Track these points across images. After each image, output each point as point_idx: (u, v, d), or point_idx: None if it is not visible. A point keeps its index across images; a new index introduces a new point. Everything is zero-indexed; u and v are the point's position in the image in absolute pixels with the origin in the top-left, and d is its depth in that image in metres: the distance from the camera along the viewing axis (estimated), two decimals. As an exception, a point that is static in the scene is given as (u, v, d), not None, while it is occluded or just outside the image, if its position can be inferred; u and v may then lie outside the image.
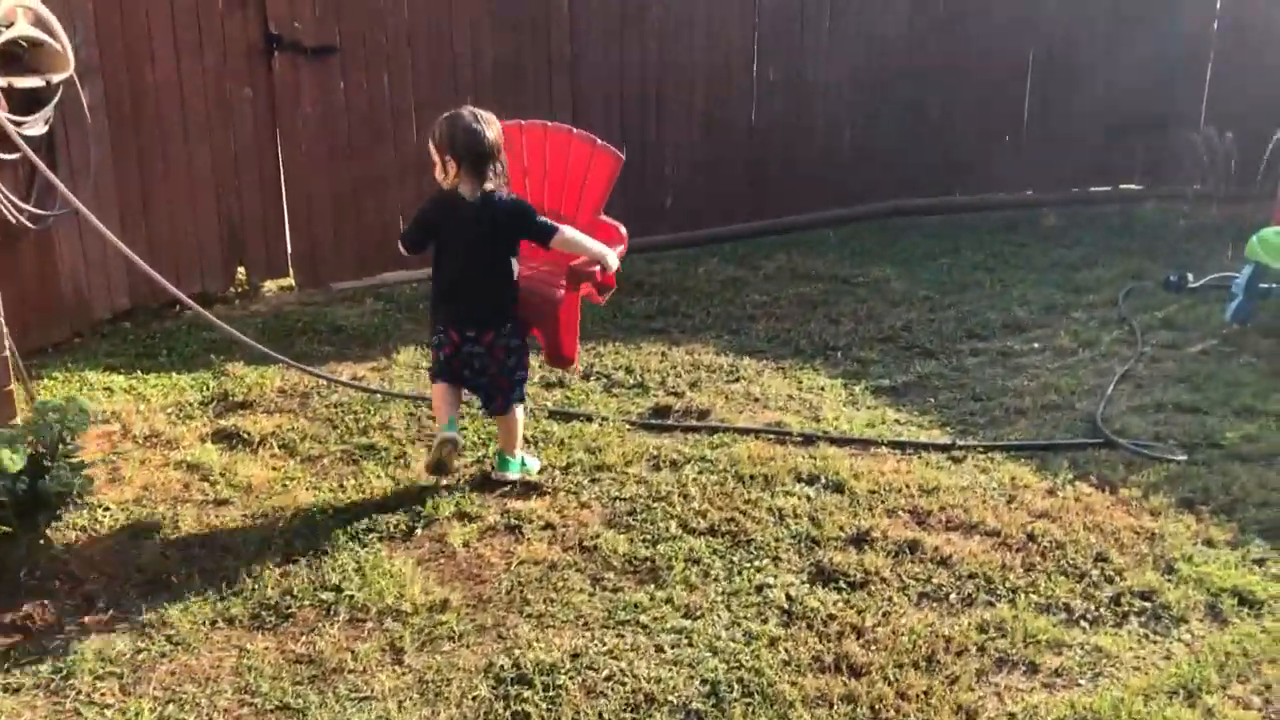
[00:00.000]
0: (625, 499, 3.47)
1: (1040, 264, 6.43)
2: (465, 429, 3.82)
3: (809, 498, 3.51)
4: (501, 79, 5.88)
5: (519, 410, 3.60)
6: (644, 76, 6.44)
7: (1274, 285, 5.32)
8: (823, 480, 3.61)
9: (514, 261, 3.46)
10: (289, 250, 5.59)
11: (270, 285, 5.65)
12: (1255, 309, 5.42)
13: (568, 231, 3.43)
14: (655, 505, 3.43)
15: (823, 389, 4.47)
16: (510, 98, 5.65)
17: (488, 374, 3.49)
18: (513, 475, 3.57)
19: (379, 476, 3.62)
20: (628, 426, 4.01)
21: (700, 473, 3.65)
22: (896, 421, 4.17)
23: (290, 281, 5.66)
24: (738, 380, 4.53)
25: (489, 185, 3.38)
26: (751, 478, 3.61)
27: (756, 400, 4.32)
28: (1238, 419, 4.21)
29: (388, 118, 5.69)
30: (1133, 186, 8.15)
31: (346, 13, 5.45)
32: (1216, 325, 5.29)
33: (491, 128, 3.35)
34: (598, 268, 3.52)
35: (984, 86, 7.63)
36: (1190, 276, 5.93)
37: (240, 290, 5.53)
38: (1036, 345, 5.06)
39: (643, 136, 6.53)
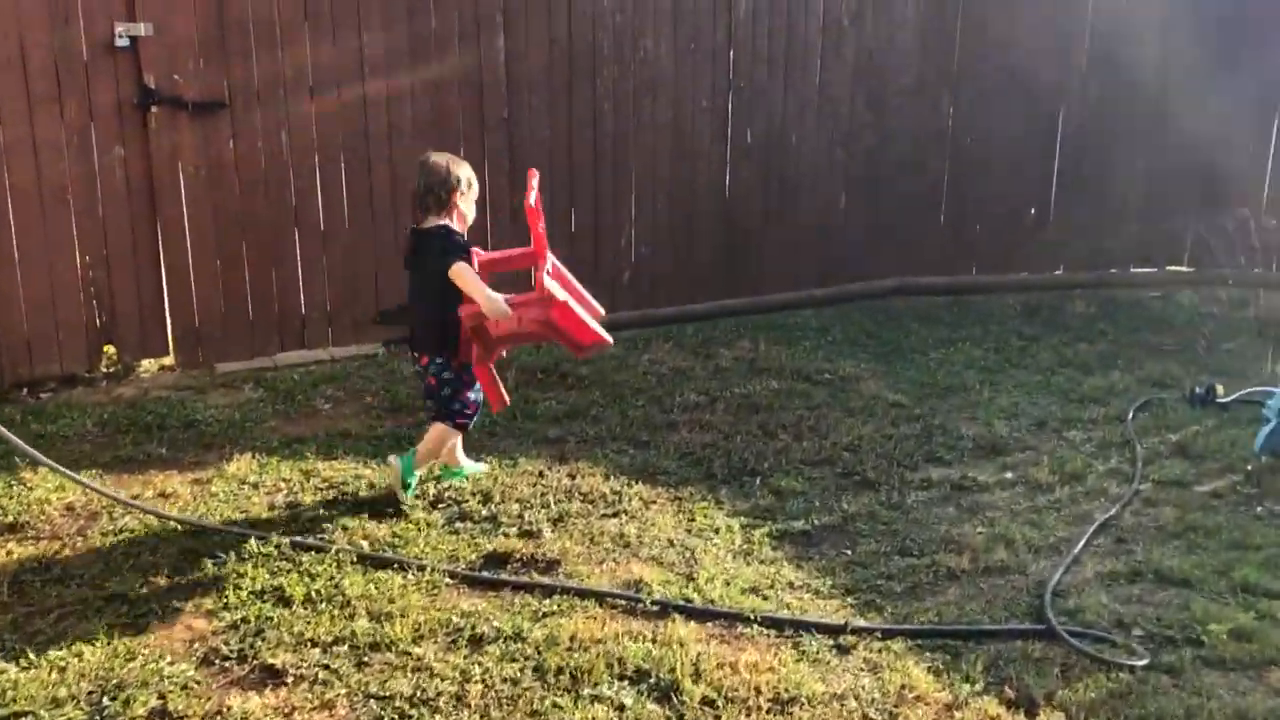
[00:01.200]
0: (383, 698, 2.71)
1: (1048, 363, 5.53)
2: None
3: (621, 709, 2.70)
4: (423, 136, 5.25)
5: (440, 427, 3.78)
6: (597, 138, 5.76)
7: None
8: (652, 679, 2.79)
9: (447, 290, 3.60)
10: (169, 326, 5.02)
11: (150, 365, 5.07)
12: (1291, 442, 4.49)
13: (462, 270, 3.57)
14: (415, 712, 2.68)
15: (716, 531, 3.66)
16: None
17: (428, 396, 3.83)
18: (394, 462, 3.79)
19: (95, 641, 2.92)
20: (447, 580, 3.27)
21: (501, 659, 2.87)
22: (790, 584, 3.33)
23: (172, 361, 5.08)
24: (616, 515, 3.75)
25: (431, 219, 3.69)
26: (561, 671, 2.81)
27: (626, 546, 3.53)
28: (1233, 601, 3.28)
29: (287, 178, 5.12)
30: (1180, 269, 7.18)
31: (236, 62, 4.89)
32: (1241, 457, 4.34)
33: (438, 169, 3.67)
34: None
35: (1007, 150, 6.78)
36: (1220, 389, 4.98)
37: (110, 371, 4.95)
38: (1008, 476, 4.18)
39: (596, 203, 5.84)
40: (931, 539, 3.65)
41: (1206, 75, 6.70)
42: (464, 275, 3.56)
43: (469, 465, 4.02)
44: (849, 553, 3.56)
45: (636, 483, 3.98)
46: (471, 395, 3.78)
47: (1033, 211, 6.91)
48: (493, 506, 3.75)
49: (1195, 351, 5.78)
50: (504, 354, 4.03)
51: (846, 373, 5.28)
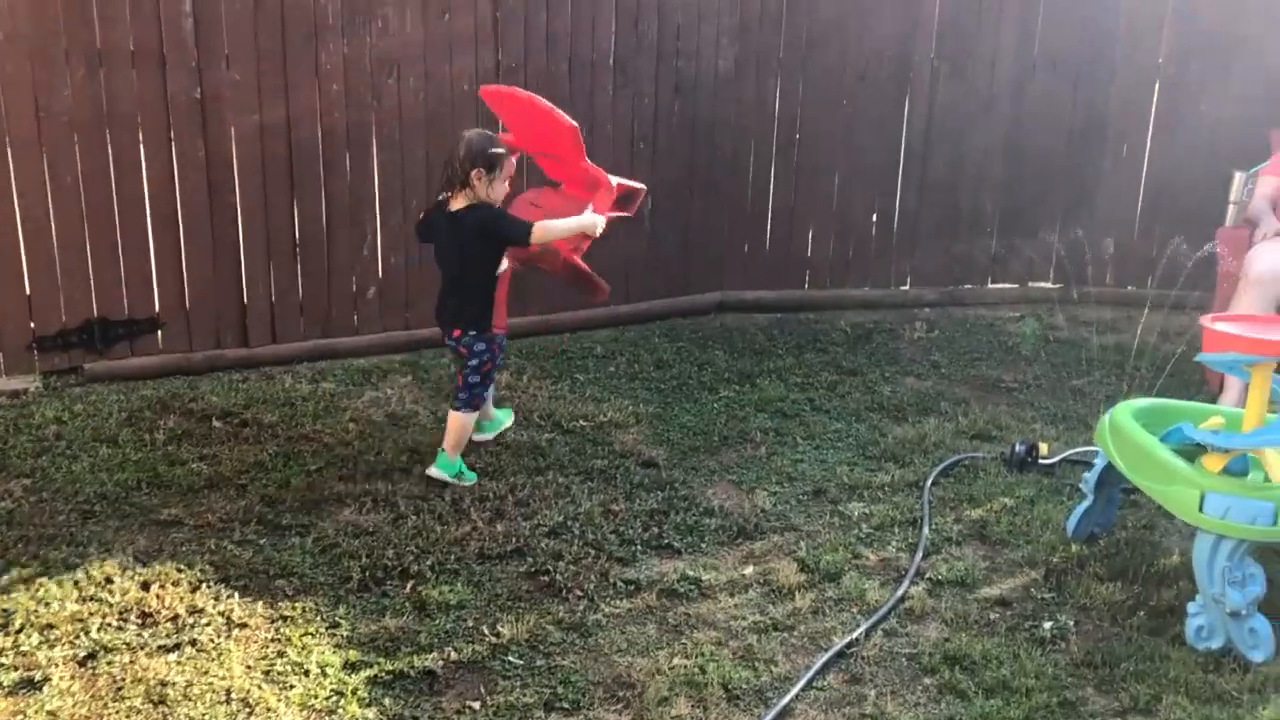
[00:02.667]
0: None
1: (857, 405, 4.64)
2: None
3: None
4: (86, 130, 4.22)
5: (457, 417, 3.73)
6: (324, 122, 4.77)
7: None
8: None
9: (487, 269, 3.71)
10: None
11: None
12: (1114, 519, 3.63)
13: (543, 228, 3.63)
14: None
15: (304, 674, 2.68)
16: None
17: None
18: (436, 474, 3.72)
19: None
20: None
21: None
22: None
23: None
24: (175, 649, 2.73)
25: (460, 200, 3.63)
26: None
27: (159, 705, 2.56)
28: (970, 790, 2.43)
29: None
30: (1045, 285, 6.34)
31: None
32: (1049, 543, 3.49)
33: (463, 145, 3.61)
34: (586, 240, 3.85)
35: (847, 147, 5.88)
36: (1043, 448, 4.12)
37: None
38: (746, 574, 3.28)
39: (328, 204, 4.84)
40: (600, 681, 2.73)
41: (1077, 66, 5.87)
42: (549, 228, 3.65)
43: (500, 414, 4.13)
44: (474, 707, 2.64)
45: (235, 594, 3.02)
46: (490, 378, 3.83)
47: (874, 218, 6.02)
48: (9, 635, 2.78)
49: (1038, 390, 4.94)
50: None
51: (608, 418, 4.36)
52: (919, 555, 3.39)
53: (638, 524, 3.51)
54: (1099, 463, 3.50)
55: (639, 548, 3.37)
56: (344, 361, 4.84)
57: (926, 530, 3.56)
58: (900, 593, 3.18)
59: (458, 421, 3.74)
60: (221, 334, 4.72)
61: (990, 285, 6.25)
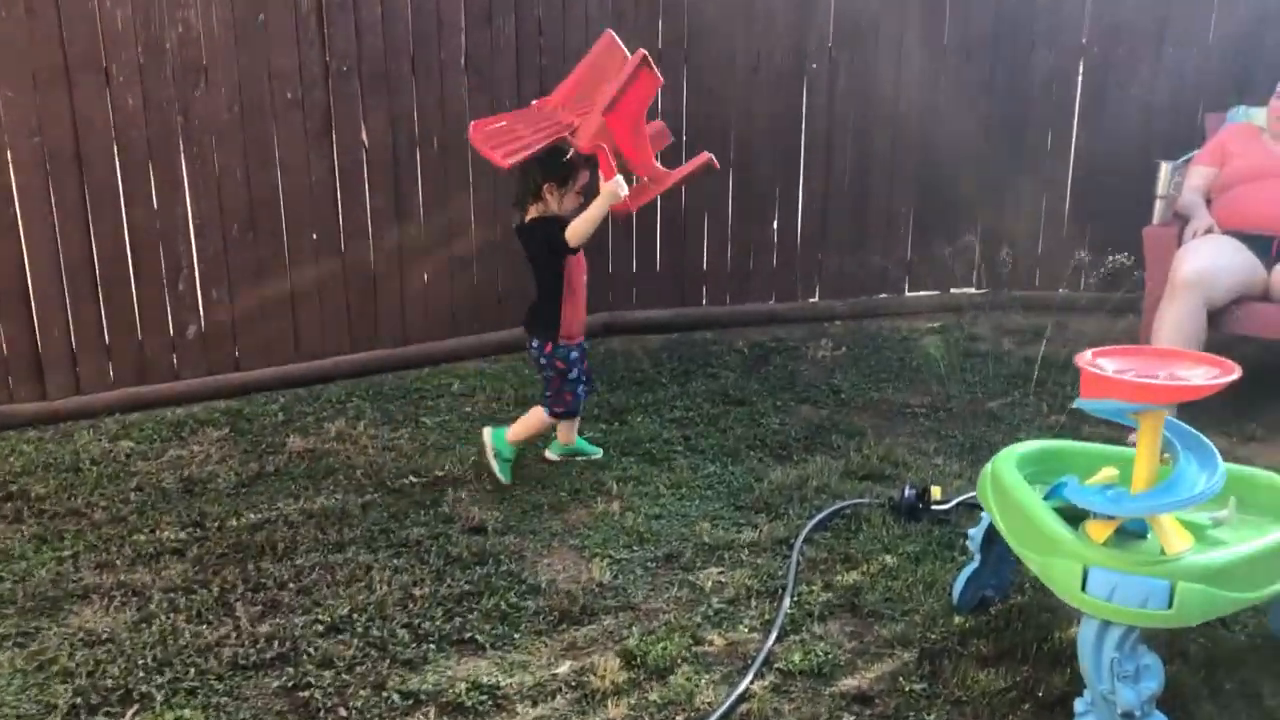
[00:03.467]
0: None
1: (738, 441, 4.09)
2: None
3: None
4: None
5: (537, 410, 3.75)
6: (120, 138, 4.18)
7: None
8: None
9: (552, 280, 3.62)
10: None
11: None
12: (1009, 579, 3.09)
13: (572, 233, 3.51)
14: None
15: None
16: None
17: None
18: (487, 438, 3.76)
19: None
20: None
21: None
22: None
23: None
24: None
25: (533, 212, 3.59)
26: None
27: None
28: None
29: None
30: (969, 290, 5.80)
31: None
32: (930, 613, 2.93)
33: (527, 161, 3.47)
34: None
35: (745, 147, 5.33)
36: (936, 491, 3.58)
37: None
38: (557, 674, 2.70)
39: (132, 233, 4.26)
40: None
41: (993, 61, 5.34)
42: (576, 229, 3.52)
43: (585, 446, 3.97)
44: None
45: (-103, 737, 2.46)
46: (573, 386, 3.73)
47: (775, 225, 5.47)
48: None
49: (947, 416, 4.40)
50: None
51: (445, 472, 3.79)
52: (771, 638, 2.84)
53: (440, 613, 2.94)
54: (986, 518, 2.96)
55: (433, 645, 2.81)
56: (157, 412, 4.27)
57: (787, 603, 3.00)
58: (737, 693, 2.62)
59: (537, 416, 3.76)
60: (14, 386, 4.14)
61: (907, 294, 5.71)
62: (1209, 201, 4.68)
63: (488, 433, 3.76)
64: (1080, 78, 5.46)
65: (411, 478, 3.75)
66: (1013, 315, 5.57)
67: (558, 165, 3.50)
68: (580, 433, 4.09)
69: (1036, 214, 5.62)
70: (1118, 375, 2.41)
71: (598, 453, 3.95)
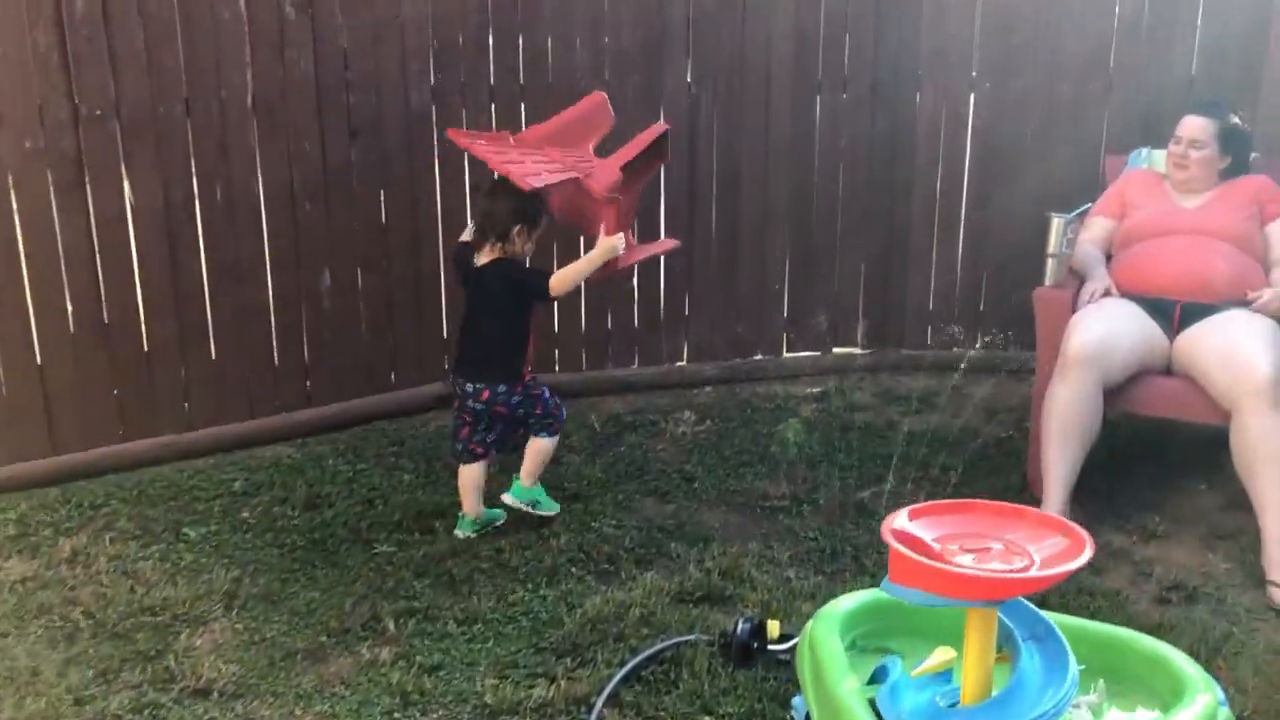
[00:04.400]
0: None
1: (559, 553, 3.43)
2: None
3: None
4: None
5: (539, 442, 3.58)
6: None
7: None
8: None
9: (518, 325, 3.51)
10: None
11: None
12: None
13: (558, 280, 3.42)
14: None
15: None
16: None
17: (498, 423, 3.57)
18: (512, 500, 3.62)
19: None
20: None
21: None
22: None
23: None
24: None
25: (486, 255, 3.44)
26: None
27: None
28: None
29: None
30: (853, 351, 5.21)
31: None
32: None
33: (508, 199, 3.35)
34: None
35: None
36: (773, 628, 2.95)
37: None
38: None
39: None
40: None
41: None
42: (565, 278, 3.43)
43: (547, 500, 3.72)
44: None
45: None
46: (549, 399, 3.58)
47: (635, 280, 4.85)
48: None
49: (812, 510, 3.80)
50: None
51: (186, 609, 3.09)
52: None
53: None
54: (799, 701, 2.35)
55: None
56: None
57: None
58: None
59: (542, 447, 3.60)
60: None
61: (786, 355, 5.12)
62: (1110, 258, 4.16)
63: (509, 499, 3.63)
64: (971, 115, 4.91)
65: (142, 618, 3.06)
66: (902, 378, 5.00)
67: (534, 209, 3.36)
68: (373, 543, 3.44)
69: (927, 265, 5.06)
70: (933, 556, 1.82)
71: (554, 508, 3.70)
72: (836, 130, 4.84)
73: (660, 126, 3.42)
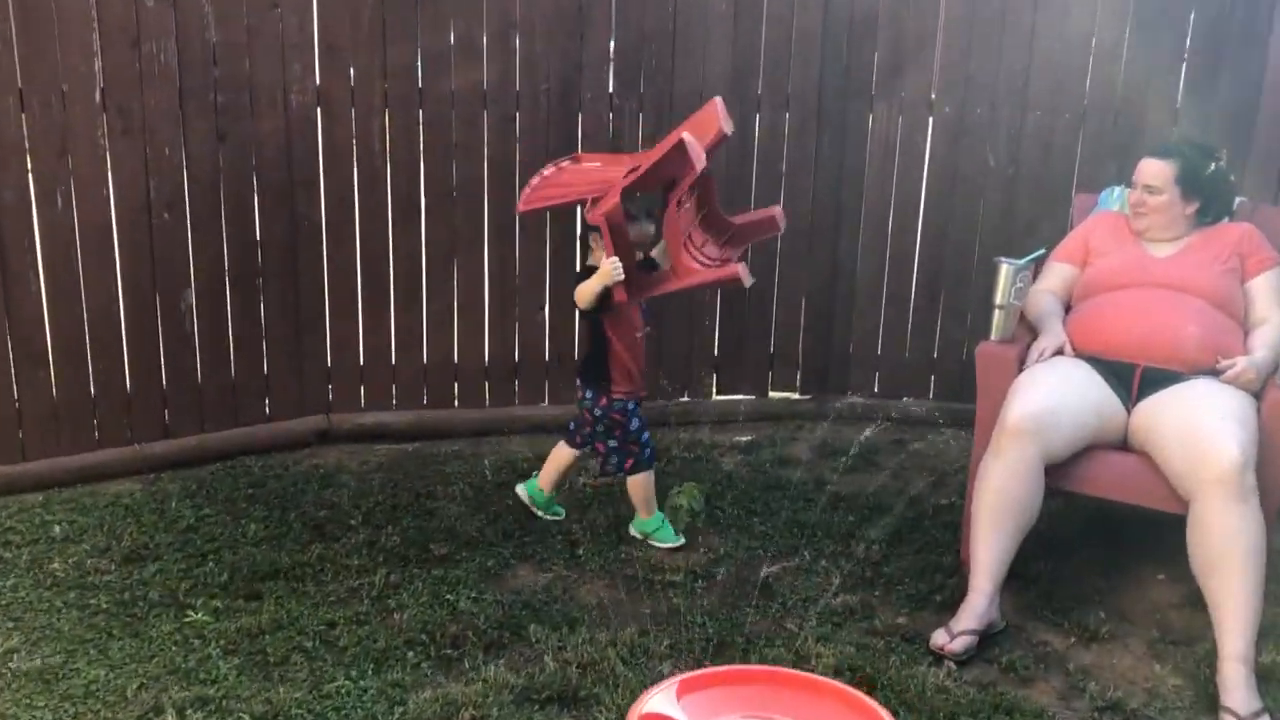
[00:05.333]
0: None
1: (399, 631, 2.95)
2: None
3: None
4: None
5: (633, 480, 3.53)
6: None
7: None
8: None
9: (591, 331, 3.43)
10: None
11: None
12: None
13: (580, 294, 3.26)
14: None
15: None
16: None
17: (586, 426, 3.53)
18: (635, 532, 3.59)
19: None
20: None
21: None
22: None
23: None
24: None
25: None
26: None
27: None
28: None
29: None
30: (790, 396, 4.72)
31: None
32: None
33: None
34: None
35: (509, 212, 4.25)
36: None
37: None
38: None
39: None
40: None
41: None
42: (579, 292, 3.24)
43: (663, 533, 3.57)
44: None
45: None
46: (638, 435, 3.46)
47: (545, 309, 4.37)
48: None
49: (708, 587, 3.32)
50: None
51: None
52: None
53: None
54: None
55: None
56: None
57: None
58: None
59: (632, 484, 3.54)
60: None
61: (715, 397, 4.64)
62: (1070, 310, 3.67)
63: (633, 529, 3.60)
64: (929, 143, 4.43)
65: None
66: (844, 428, 4.51)
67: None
68: (188, 608, 2.99)
69: (876, 302, 4.57)
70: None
71: (679, 540, 3.55)
72: (776, 152, 4.36)
73: (676, 136, 3.00)
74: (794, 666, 2.91)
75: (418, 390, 4.28)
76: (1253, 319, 3.44)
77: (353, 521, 3.60)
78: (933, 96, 4.39)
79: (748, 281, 3.13)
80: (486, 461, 4.09)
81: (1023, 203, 4.39)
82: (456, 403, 4.33)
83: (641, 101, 4.20)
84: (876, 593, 3.33)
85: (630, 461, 3.48)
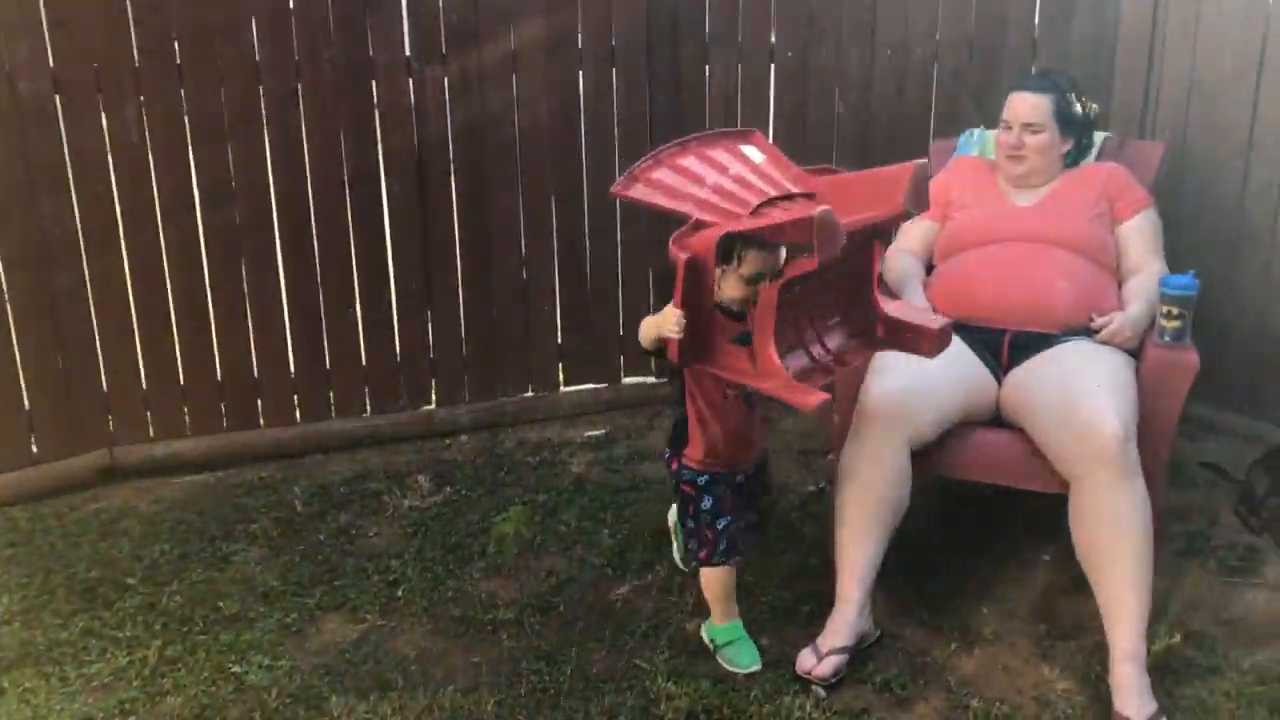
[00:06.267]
0: None
1: None
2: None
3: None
4: None
5: (712, 572, 2.69)
6: None
7: None
8: None
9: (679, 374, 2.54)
10: None
11: None
12: None
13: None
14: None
15: None
16: None
17: None
18: (706, 638, 2.78)
19: None
20: None
21: None
22: None
23: None
24: None
25: None
26: None
27: None
28: None
29: None
30: (647, 380, 4.30)
31: None
32: None
33: None
34: None
35: (300, 197, 3.71)
36: None
37: None
38: None
39: None
40: None
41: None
42: (643, 328, 2.40)
43: (734, 651, 2.71)
44: None
45: None
46: (710, 518, 2.59)
47: (356, 305, 3.86)
48: None
49: (547, 616, 2.89)
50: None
51: None
52: None
53: None
54: None
55: None
56: None
57: None
58: None
59: (704, 578, 2.74)
60: None
61: (563, 389, 4.19)
62: (931, 269, 3.32)
63: (704, 633, 2.80)
64: (773, 92, 4.02)
65: None
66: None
67: (722, 240, 2.24)
68: None
69: (732, 273, 4.16)
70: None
71: (753, 665, 2.70)
72: (606, 111, 3.89)
73: (837, 195, 2.23)
74: (642, 713, 2.52)
75: (214, 412, 3.73)
76: (1126, 267, 3.14)
77: (130, 580, 3.07)
78: (773, 41, 3.97)
79: (816, 405, 2.17)
80: (297, 489, 3.58)
81: (877, 151, 4.01)
82: (261, 422, 3.79)
83: (445, 67, 3.67)
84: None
85: (704, 551, 2.65)
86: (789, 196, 2.31)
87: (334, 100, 3.59)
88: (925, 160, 2.22)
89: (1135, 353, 2.93)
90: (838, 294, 2.42)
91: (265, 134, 3.55)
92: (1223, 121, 3.66)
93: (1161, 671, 2.63)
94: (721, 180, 2.36)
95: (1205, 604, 2.93)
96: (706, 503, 2.61)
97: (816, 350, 2.38)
